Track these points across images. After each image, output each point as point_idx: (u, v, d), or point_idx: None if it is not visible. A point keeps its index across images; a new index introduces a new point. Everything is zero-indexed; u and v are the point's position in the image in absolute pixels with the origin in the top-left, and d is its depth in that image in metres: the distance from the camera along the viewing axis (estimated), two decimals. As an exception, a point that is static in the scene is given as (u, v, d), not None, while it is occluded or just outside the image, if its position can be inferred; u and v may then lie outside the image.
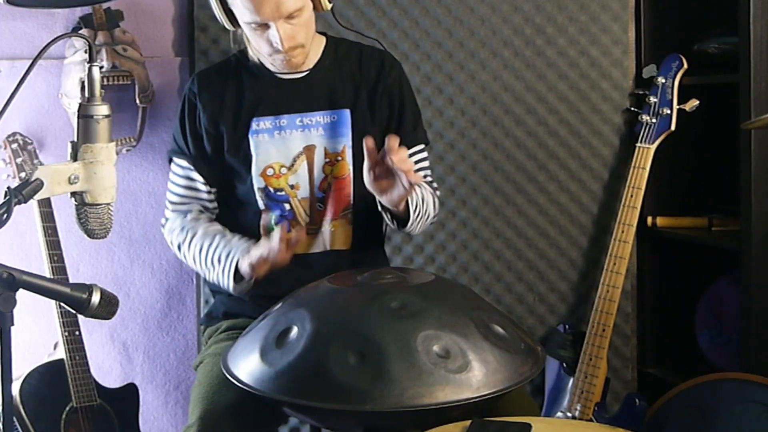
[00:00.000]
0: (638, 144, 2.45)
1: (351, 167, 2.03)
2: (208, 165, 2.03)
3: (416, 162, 2.09)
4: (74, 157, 1.43)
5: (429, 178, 2.14)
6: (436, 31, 2.53)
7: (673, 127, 2.42)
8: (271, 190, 2.01)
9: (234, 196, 2.06)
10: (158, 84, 2.50)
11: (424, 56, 2.53)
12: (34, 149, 2.35)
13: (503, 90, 2.57)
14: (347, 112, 2.03)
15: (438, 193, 2.14)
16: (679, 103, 2.42)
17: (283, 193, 2.02)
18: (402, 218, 1.95)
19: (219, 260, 1.92)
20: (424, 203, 1.98)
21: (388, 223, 2.00)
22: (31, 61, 1.40)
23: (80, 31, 2.35)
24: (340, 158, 2.02)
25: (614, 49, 2.59)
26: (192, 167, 2.03)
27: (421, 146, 2.12)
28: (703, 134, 2.62)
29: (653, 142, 2.43)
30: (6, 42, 2.43)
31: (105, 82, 2.32)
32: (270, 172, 2.01)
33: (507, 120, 2.58)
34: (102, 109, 1.43)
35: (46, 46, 1.41)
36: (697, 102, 2.41)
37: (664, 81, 2.43)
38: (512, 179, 2.60)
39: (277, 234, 1.79)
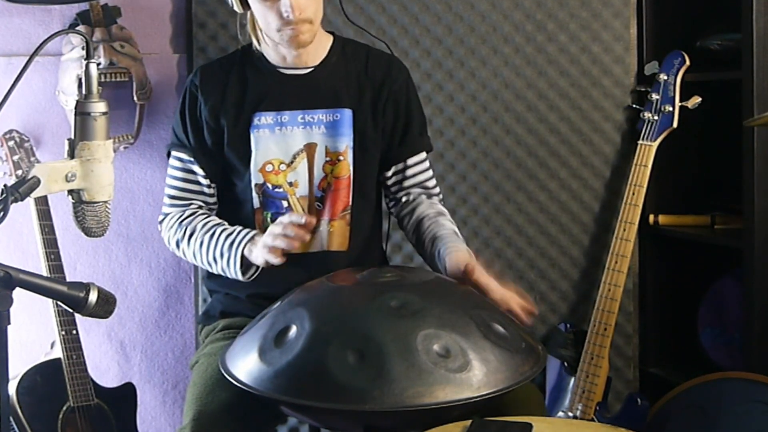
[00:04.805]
0: (640, 141, 2.44)
1: (351, 168, 2.02)
2: (209, 158, 2.01)
3: (422, 171, 2.11)
4: (71, 155, 1.42)
5: (432, 182, 2.14)
6: (436, 28, 2.52)
7: (675, 125, 2.41)
8: (269, 186, 1.99)
9: (230, 194, 2.04)
10: (156, 81, 2.48)
11: (424, 53, 2.52)
12: (31, 147, 2.33)
13: (504, 87, 2.56)
14: (349, 112, 2.01)
15: (440, 196, 2.15)
16: (681, 100, 2.41)
17: (281, 190, 2.00)
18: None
19: (222, 254, 1.90)
20: None
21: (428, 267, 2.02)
22: (27, 57, 1.38)
23: (77, 28, 2.33)
24: (341, 158, 2.01)
25: (615, 46, 2.58)
26: (192, 159, 2.00)
27: (425, 153, 2.12)
28: (706, 132, 2.61)
29: (655, 140, 2.42)
30: (2, 38, 2.42)
31: (102, 79, 2.30)
32: (269, 168, 1.99)
33: (507, 117, 2.57)
34: (99, 107, 1.42)
35: (42, 43, 1.39)
36: (700, 99, 2.40)
37: (666, 78, 2.42)
38: (513, 177, 2.58)
39: (294, 215, 1.80)
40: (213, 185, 2.03)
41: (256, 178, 1.99)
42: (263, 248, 1.82)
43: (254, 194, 2.00)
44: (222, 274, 1.94)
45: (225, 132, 1.99)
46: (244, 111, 1.98)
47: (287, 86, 2.00)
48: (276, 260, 1.79)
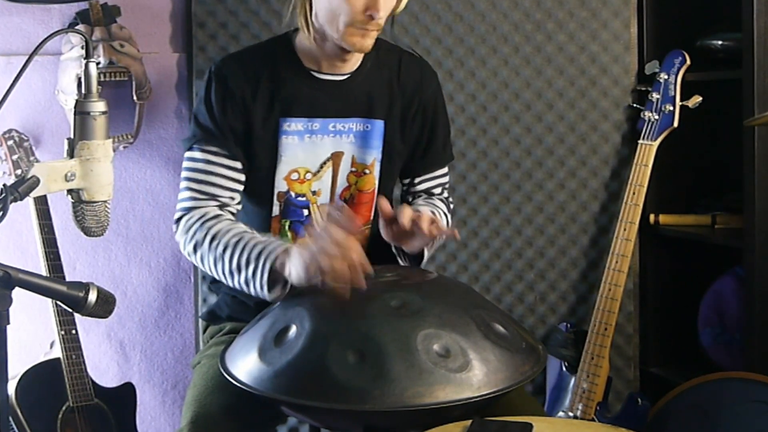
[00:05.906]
0: (640, 141, 2.44)
1: (377, 182, 1.95)
2: (241, 147, 1.84)
3: (433, 178, 2.04)
4: (71, 154, 1.42)
5: (446, 194, 2.10)
6: (436, 28, 2.52)
7: (675, 124, 2.41)
8: (293, 194, 1.90)
9: (246, 199, 1.93)
10: (155, 80, 2.48)
11: (423, 53, 2.51)
12: (30, 146, 2.33)
13: (503, 87, 2.56)
14: (381, 123, 1.92)
15: (452, 206, 2.11)
16: (681, 100, 2.40)
17: (304, 198, 1.92)
18: (417, 256, 1.88)
19: (248, 262, 1.70)
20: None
21: (401, 262, 1.90)
22: (27, 57, 1.38)
23: (77, 27, 2.33)
24: (367, 171, 1.94)
25: (615, 45, 2.58)
26: (222, 150, 1.82)
27: (447, 167, 2.07)
28: (706, 131, 2.61)
29: (656, 139, 2.41)
30: (2, 38, 2.42)
31: (102, 79, 2.29)
32: (295, 176, 1.90)
33: (507, 117, 2.56)
34: (99, 106, 1.41)
35: (42, 42, 1.39)
36: (700, 98, 2.40)
37: (666, 77, 2.42)
38: (512, 177, 2.58)
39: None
40: (242, 178, 1.87)
41: (279, 186, 1.89)
42: (303, 261, 1.60)
43: (275, 202, 1.90)
44: (242, 288, 1.74)
45: (252, 131, 1.85)
46: (273, 114, 1.86)
47: (320, 92, 1.88)
48: (317, 279, 1.57)
